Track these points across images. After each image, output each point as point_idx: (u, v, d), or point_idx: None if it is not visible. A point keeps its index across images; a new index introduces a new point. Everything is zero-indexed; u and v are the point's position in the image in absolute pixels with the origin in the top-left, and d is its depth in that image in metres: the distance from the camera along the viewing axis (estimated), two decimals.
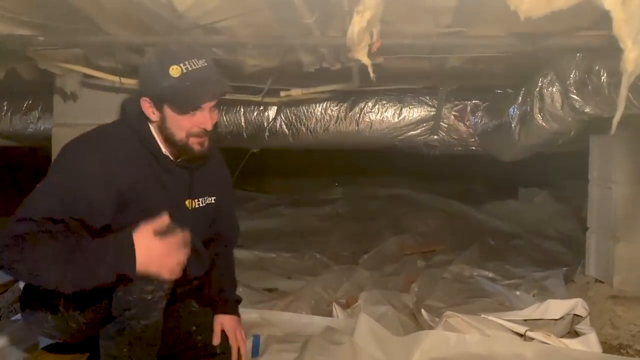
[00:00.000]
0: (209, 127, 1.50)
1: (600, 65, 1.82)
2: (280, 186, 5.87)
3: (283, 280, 2.96)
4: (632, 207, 2.38)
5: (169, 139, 1.52)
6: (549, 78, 2.15)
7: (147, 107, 1.50)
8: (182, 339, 1.74)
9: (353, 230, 4.31)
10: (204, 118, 1.49)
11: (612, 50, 1.74)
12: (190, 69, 1.44)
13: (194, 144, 1.52)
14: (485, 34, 1.67)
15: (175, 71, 1.43)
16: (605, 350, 2.05)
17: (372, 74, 1.33)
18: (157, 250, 1.33)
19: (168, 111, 1.49)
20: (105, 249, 1.31)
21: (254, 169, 5.59)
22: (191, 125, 1.49)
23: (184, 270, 1.63)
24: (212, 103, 1.50)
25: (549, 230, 4.05)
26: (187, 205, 1.62)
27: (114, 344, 1.46)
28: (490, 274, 3.03)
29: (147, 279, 1.38)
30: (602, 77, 1.82)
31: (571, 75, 1.99)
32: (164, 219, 1.36)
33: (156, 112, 1.51)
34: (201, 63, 1.47)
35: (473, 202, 4.85)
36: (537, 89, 2.21)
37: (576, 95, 2.01)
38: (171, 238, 1.35)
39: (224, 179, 1.82)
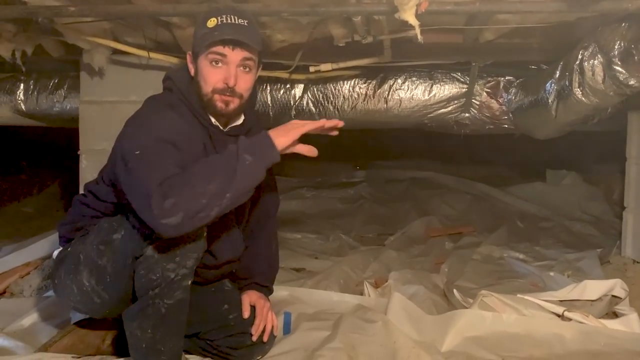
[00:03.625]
0: (232, 82, 1.49)
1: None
2: (301, 169, 5.83)
3: (310, 261, 2.94)
4: None
5: (199, 94, 1.54)
6: (590, 50, 2.07)
7: (189, 61, 1.57)
8: (214, 317, 1.73)
9: (377, 213, 4.27)
10: (227, 72, 1.49)
11: None
12: (225, 21, 1.48)
13: (218, 100, 1.52)
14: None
15: (212, 22, 1.49)
16: None
17: (419, 37, 1.27)
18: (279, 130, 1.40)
19: (200, 61, 1.51)
20: (237, 150, 1.33)
21: None
22: (216, 79, 1.50)
23: (216, 255, 1.63)
24: (239, 58, 1.49)
25: (578, 213, 3.96)
26: None
27: (137, 324, 1.44)
28: (521, 256, 2.98)
29: (169, 256, 1.37)
30: None
31: (615, 46, 1.91)
32: None
33: (193, 66, 1.55)
34: (240, 21, 1.50)
35: (499, 184, 4.76)
36: (577, 62, 2.13)
37: (620, 67, 1.94)
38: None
39: None
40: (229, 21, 1.48)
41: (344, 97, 2.95)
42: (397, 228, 3.66)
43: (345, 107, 2.96)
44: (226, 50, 1.48)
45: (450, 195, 4.54)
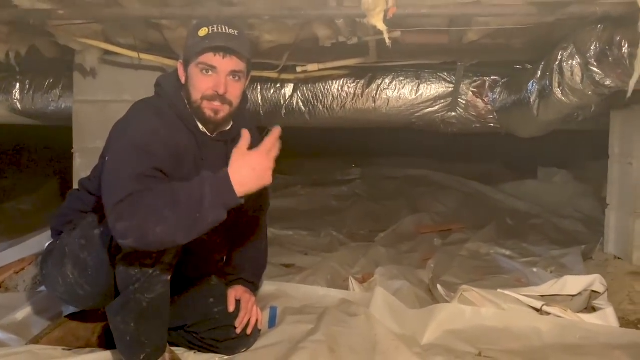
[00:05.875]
0: (221, 90, 1.53)
1: (622, 35, 1.78)
2: (297, 167, 5.88)
3: (300, 257, 2.99)
4: None
5: (188, 101, 1.57)
6: (568, 51, 2.11)
7: (180, 69, 1.60)
8: (200, 310, 1.78)
9: (370, 210, 4.32)
10: (217, 80, 1.53)
11: (633, 20, 1.72)
12: (216, 31, 1.52)
13: (207, 108, 1.55)
14: (503, 3, 1.65)
15: (203, 32, 1.53)
16: (623, 325, 2.05)
17: (387, 41, 1.32)
18: (246, 168, 1.35)
19: (190, 69, 1.55)
20: (202, 187, 1.32)
21: None
22: (206, 87, 1.53)
23: (203, 251, 1.68)
24: (229, 67, 1.53)
25: (568, 210, 4.01)
26: None
27: (121, 318, 1.49)
28: (507, 252, 3.03)
29: (146, 252, 1.41)
30: (624, 48, 1.79)
31: (592, 47, 1.96)
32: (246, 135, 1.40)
33: (184, 73, 1.59)
34: (230, 31, 1.54)
35: (492, 182, 4.82)
36: (557, 63, 2.17)
37: (596, 68, 1.98)
38: (256, 151, 1.38)
39: None
40: (219, 31, 1.52)
41: (333, 96, 3.01)
42: (388, 225, 3.71)
43: (335, 106, 3.01)
44: (217, 58, 1.52)
45: (442, 192, 4.59)
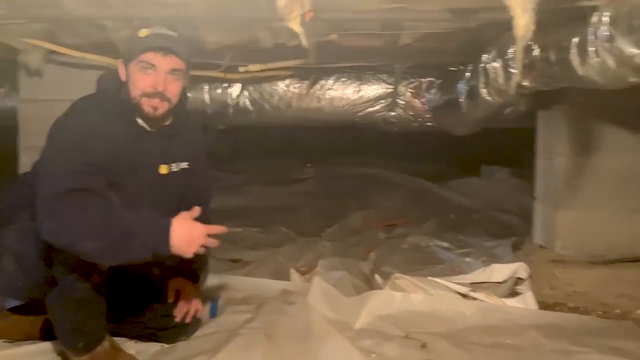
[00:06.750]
0: (160, 87, 1.60)
1: (533, 40, 1.94)
2: (253, 167, 5.95)
3: (247, 252, 3.07)
4: (573, 176, 2.54)
5: (128, 97, 1.64)
6: (492, 54, 2.27)
7: (120, 68, 1.67)
8: (140, 300, 1.85)
9: (322, 207, 4.42)
10: (156, 78, 1.60)
11: (543, 26, 1.88)
12: (156, 32, 1.61)
13: (146, 105, 1.62)
14: (423, 9, 1.77)
15: (143, 32, 1.61)
16: (542, 308, 2.22)
17: (304, 43, 1.43)
18: (185, 231, 1.47)
19: (131, 67, 1.62)
20: (140, 224, 1.42)
21: (228, 149, 5.71)
22: (145, 84, 1.60)
23: None
24: (168, 66, 1.61)
25: (507, 205, 4.21)
26: (162, 170, 1.73)
27: (58, 308, 1.56)
28: (446, 244, 3.19)
29: None
30: (535, 52, 1.95)
31: (509, 51, 2.12)
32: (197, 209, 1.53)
33: (125, 72, 1.65)
34: (170, 32, 1.63)
35: (439, 179, 5.01)
36: (483, 65, 2.33)
37: (515, 69, 2.14)
38: (201, 226, 1.50)
39: (198, 146, 1.91)
40: (159, 32, 1.62)
41: (279, 96, 3.10)
42: (338, 221, 3.83)
43: (281, 105, 3.11)
44: (156, 57, 1.59)
45: (391, 190, 4.75)
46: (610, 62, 1.52)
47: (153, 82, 1.60)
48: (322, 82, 3.06)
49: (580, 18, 1.64)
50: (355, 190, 4.95)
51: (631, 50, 1.41)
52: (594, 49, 1.56)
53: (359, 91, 3.04)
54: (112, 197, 1.49)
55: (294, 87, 3.08)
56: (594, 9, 1.52)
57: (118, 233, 1.38)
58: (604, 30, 1.50)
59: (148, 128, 1.70)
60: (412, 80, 3.04)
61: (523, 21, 1.10)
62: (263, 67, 2.66)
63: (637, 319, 2.18)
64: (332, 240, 3.30)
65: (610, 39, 1.48)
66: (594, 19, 1.54)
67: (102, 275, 1.55)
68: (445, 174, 5.42)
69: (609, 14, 1.49)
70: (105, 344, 1.65)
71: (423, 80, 3.02)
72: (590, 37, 1.56)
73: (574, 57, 1.66)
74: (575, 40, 1.64)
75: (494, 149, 4.86)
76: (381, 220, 3.83)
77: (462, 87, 2.54)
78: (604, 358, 1.77)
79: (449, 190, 4.72)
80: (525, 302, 2.19)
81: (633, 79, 1.56)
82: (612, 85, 1.63)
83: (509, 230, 3.54)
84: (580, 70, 1.65)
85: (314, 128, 4.28)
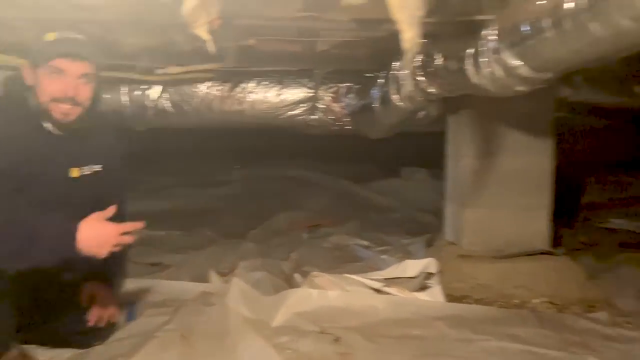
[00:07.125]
0: (70, 93, 1.59)
1: (436, 50, 2.08)
2: (178, 169, 5.88)
3: (168, 255, 3.05)
4: (478, 177, 2.71)
5: (37, 102, 1.61)
6: (401, 62, 2.40)
7: (26, 72, 1.63)
8: (52, 306, 1.81)
9: (247, 209, 4.44)
10: (66, 84, 1.59)
11: (445, 37, 2.02)
12: (63, 36, 1.59)
13: (56, 111, 1.60)
14: (332, 19, 1.86)
15: (50, 36, 1.59)
16: (450, 300, 2.36)
17: (210, 48, 1.47)
18: (95, 232, 1.47)
19: (39, 72, 1.60)
20: (43, 230, 1.41)
21: (152, 151, 5.59)
22: (54, 90, 1.59)
23: None
24: (78, 71, 1.60)
25: (425, 204, 4.40)
26: (73, 173, 1.71)
27: None
28: (366, 243, 3.31)
29: None
30: (438, 61, 2.08)
31: (416, 60, 2.25)
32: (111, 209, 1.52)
33: (32, 76, 1.62)
34: (78, 36, 1.62)
35: (361, 181, 5.16)
36: (393, 72, 2.46)
37: (422, 77, 2.27)
38: (112, 225, 1.50)
39: (112, 149, 1.90)
40: (67, 36, 1.60)
41: (200, 98, 3.11)
42: (263, 223, 3.87)
43: (202, 107, 3.12)
44: (66, 62, 1.58)
45: (316, 191, 4.85)
46: (499, 73, 1.67)
47: (63, 87, 1.59)
48: (244, 85, 3.10)
49: (475, 31, 1.78)
50: (280, 192, 5.00)
51: (514, 62, 1.56)
52: (485, 59, 1.71)
53: (280, 95, 3.11)
54: (17, 201, 1.46)
55: (216, 90, 3.10)
56: (484, 23, 1.67)
57: (20, 238, 1.36)
58: (492, 43, 1.65)
59: (56, 132, 1.67)
60: (332, 85, 3.15)
61: (409, 35, 1.20)
62: (182, 69, 2.66)
63: (533, 307, 2.37)
64: (256, 241, 3.34)
65: (498, 51, 1.62)
66: (484, 32, 1.69)
67: (6, 283, 1.51)
68: (368, 175, 5.59)
69: (496, 27, 1.64)
70: (13, 352, 1.61)
71: (341, 85, 3.14)
72: (482, 49, 1.70)
73: (469, 66, 1.80)
74: (470, 51, 1.78)
75: (413, 151, 5.08)
76: (305, 221, 3.90)
77: (376, 93, 2.66)
78: (501, 344, 1.93)
79: (370, 191, 4.88)
80: (434, 295, 2.33)
81: (520, 88, 1.72)
82: (502, 93, 1.79)
83: (425, 228, 3.72)
84: (474, 79, 1.79)
85: (240, 130, 4.31)
